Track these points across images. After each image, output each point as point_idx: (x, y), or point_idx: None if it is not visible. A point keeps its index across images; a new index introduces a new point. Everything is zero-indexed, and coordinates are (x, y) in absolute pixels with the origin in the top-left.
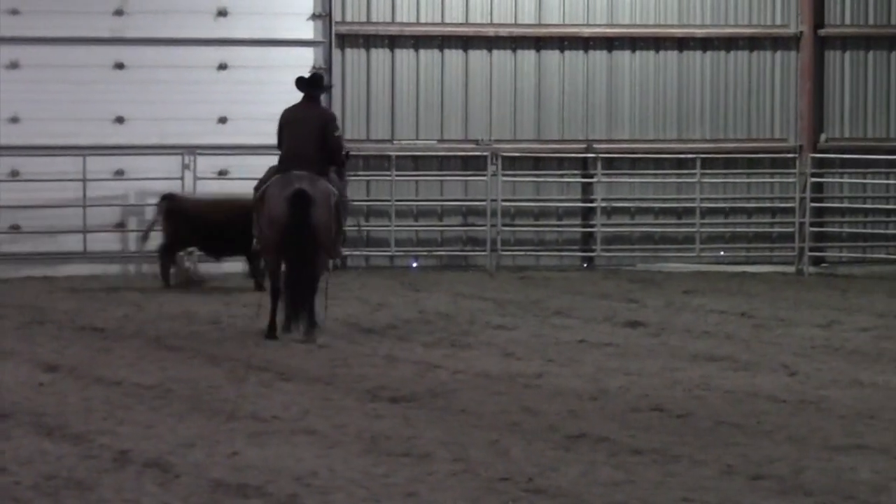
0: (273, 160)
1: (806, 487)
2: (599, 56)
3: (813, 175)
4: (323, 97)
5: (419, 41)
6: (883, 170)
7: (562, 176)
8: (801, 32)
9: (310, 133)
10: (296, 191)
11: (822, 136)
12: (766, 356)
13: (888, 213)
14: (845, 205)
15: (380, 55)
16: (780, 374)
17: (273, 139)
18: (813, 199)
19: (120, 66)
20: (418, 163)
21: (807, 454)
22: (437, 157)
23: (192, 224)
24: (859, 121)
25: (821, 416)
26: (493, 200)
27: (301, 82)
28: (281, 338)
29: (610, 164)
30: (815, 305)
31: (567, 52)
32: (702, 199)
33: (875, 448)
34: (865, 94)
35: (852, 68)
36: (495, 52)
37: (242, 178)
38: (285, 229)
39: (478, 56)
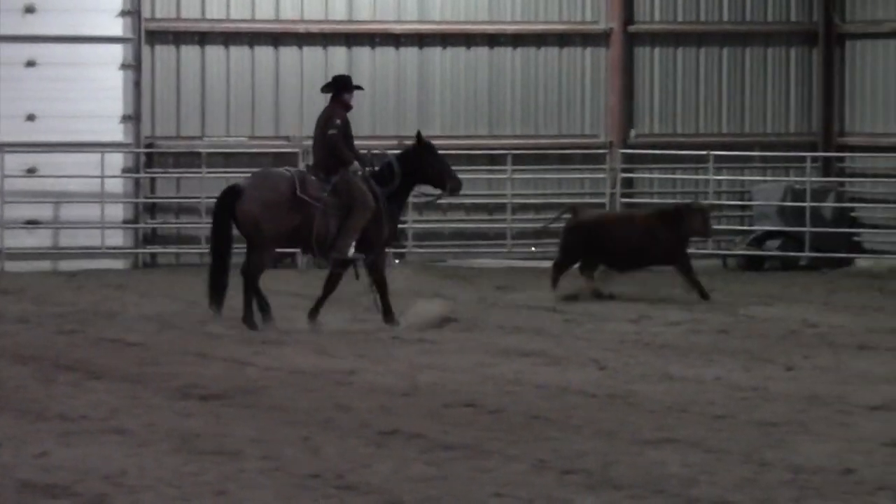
0: (82, 157)
1: (616, 481)
2: (410, 52)
3: (623, 171)
4: (347, 97)
5: (229, 38)
6: (692, 165)
7: None
8: (611, 29)
9: (317, 134)
10: (228, 187)
11: (632, 132)
12: (576, 351)
13: None
14: (655, 200)
15: (190, 52)
16: (591, 368)
17: None
18: (623, 195)
19: None
20: (229, 159)
21: (617, 448)
22: (247, 153)
23: (594, 239)
24: (669, 117)
25: (631, 411)
26: None
27: (325, 84)
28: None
29: None
30: (625, 300)
31: (378, 49)
32: (513, 195)
33: (685, 442)
34: (674, 90)
35: (661, 65)
36: (306, 48)
37: (51, 175)
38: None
39: (288, 52)
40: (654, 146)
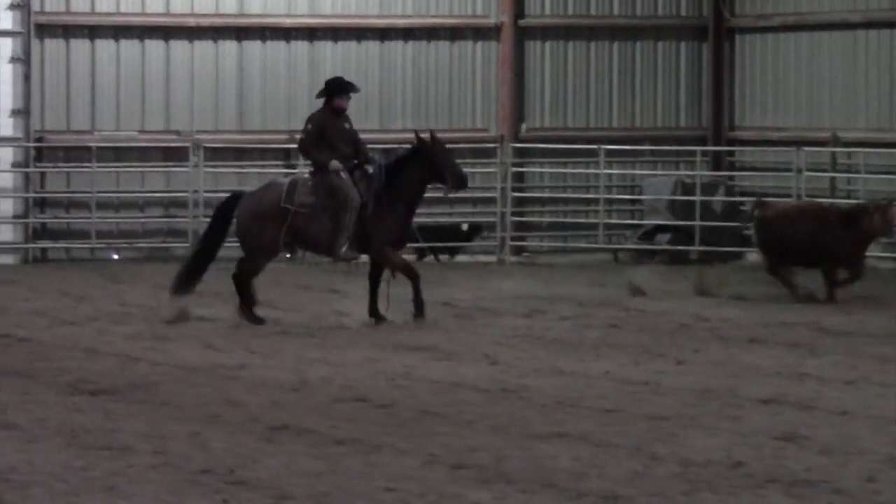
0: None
1: (507, 476)
2: (301, 46)
3: (514, 165)
4: (337, 100)
5: (119, 31)
6: (583, 159)
7: (264, 167)
8: (502, 23)
9: None
10: (232, 194)
11: (523, 127)
12: (468, 346)
13: (588, 202)
14: (546, 194)
15: (79, 45)
16: (483, 363)
17: None
18: (514, 189)
19: None
20: (119, 154)
21: (508, 443)
22: (138, 147)
23: (782, 233)
24: (559, 111)
25: (522, 405)
26: (194, 192)
27: (319, 91)
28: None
29: None
30: (517, 295)
31: (269, 43)
32: None
33: (575, 436)
34: (565, 84)
35: (552, 59)
36: (196, 42)
37: None
38: None
39: (179, 46)
40: (544, 140)
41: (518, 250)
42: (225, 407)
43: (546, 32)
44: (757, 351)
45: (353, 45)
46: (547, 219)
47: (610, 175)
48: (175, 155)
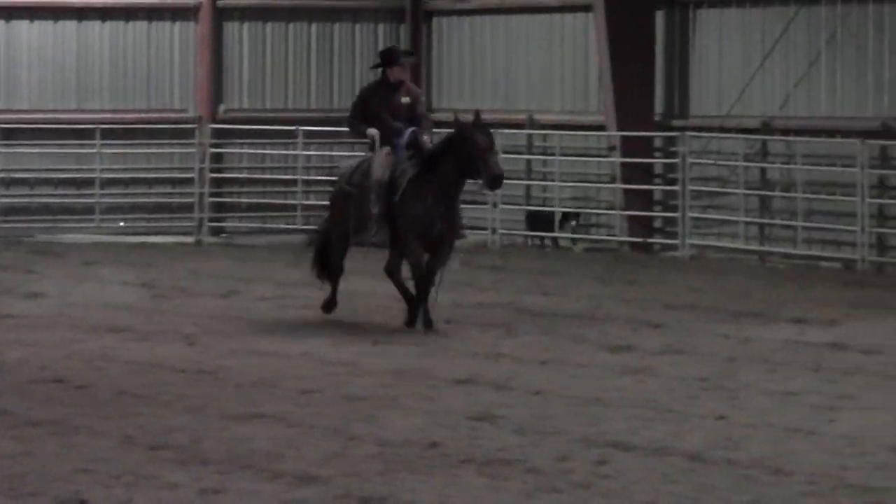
0: None
1: (204, 456)
2: None
3: (212, 146)
4: (389, 71)
5: None
6: (281, 140)
7: None
8: (200, 4)
9: None
10: None
11: (222, 108)
12: (166, 327)
13: (286, 183)
14: (245, 175)
15: None
16: (180, 344)
17: None
18: (212, 170)
19: None
20: None
21: (206, 423)
22: None
23: None
24: (258, 92)
25: (219, 386)
26: None
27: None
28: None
29: (9, 134)
30: (215, 275)
31: None
32: (102, 170)
33: (272, 416)
34: (264, 65)
35: (251, 40)
36: None
37: None
38: None
39: None
40: (243, 121)
41: (216, 231)
42: None
43: (245, 13)
44: (453, 331)
45: (49, 24)
46: (245, 200)
47: (308, 156)
48: None
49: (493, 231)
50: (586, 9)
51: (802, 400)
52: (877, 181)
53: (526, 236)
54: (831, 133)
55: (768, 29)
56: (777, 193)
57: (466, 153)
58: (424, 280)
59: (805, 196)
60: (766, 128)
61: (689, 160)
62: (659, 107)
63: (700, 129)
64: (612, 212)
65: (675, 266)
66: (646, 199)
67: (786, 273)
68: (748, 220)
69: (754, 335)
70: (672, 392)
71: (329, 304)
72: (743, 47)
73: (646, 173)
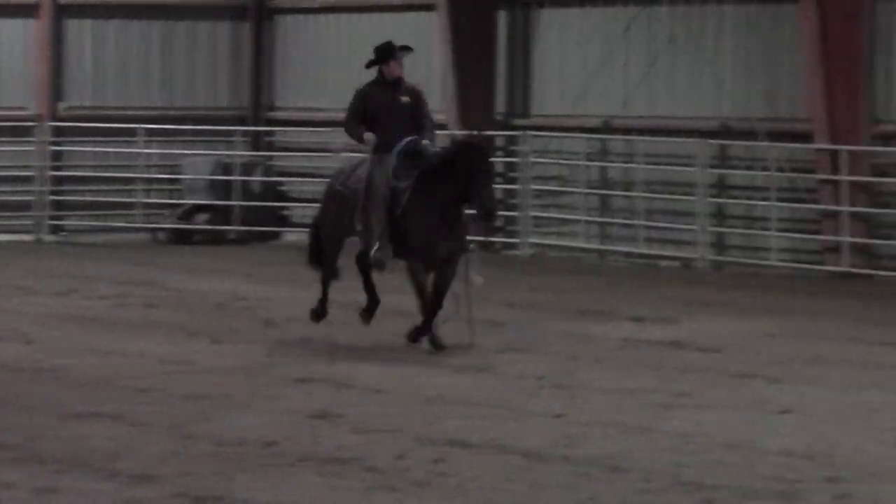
0: None
1: (40, 455)
2: None
3: (52, 144)
4: (384, 67)
5: None
6: (122, 138)
7: None
8: (41, 1)
9: None
10: None
11: (62, 105)
12: (3, 325)
13: (127, 181)
14: (85, 173)
15: None
16: (18, 342)
17: None
18: (52, 168)
19: None
20: None
21: (42, 422)
22: None
23: None
24: (99, 90)
25: (57, 385)
26: None
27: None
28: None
29: None
30: (54, 274)
31: None
32: None
33: (110, 415)
34: (105, 63)
35: (93, 37)
36: None
37: None
38: None
39: None
40: (84, 119)
41: (56, 229)
42: None
43: (85, 10)
44: (295, 331)
45: None
46: (86, 198)
47: (149, 154)
48: None
49: None
50: (429, 8)
51: (640, 398)
52: (716, 181)
53: None
54: (671, 133)
55: (609, 29)
56: (617, 192)
57: (462, 179)
58: (435, 298)
59: (645, 195)
60: (607, 127)
61: (531, 159)
62: (500, 106)
63: (541, 128)
64: None
65: (516, 265)
66: None
67: (626, 272)
68: (589, 219)
69: (594, 333)
70: (511, 390)
71: (318, 313)
72: (584, 47)
73: None
